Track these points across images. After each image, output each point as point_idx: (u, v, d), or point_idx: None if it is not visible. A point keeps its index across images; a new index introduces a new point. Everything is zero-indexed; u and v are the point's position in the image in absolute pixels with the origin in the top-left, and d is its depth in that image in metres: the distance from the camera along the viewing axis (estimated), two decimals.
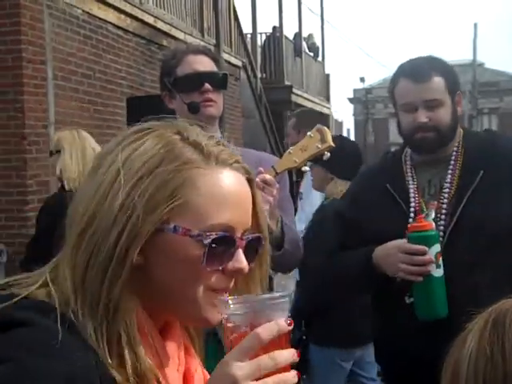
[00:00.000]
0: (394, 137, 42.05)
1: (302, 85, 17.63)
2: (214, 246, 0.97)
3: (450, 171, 2.38)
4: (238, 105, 12.55)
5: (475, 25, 37.03)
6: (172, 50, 2.65)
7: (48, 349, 0.88)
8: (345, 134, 36.21)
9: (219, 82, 2.36)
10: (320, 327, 3.90)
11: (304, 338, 3.93)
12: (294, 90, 16.37)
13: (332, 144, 2.16)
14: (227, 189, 1.00)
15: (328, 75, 21.34)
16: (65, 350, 0.88)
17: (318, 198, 4.35)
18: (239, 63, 12.93)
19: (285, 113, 16.16)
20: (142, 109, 6.32)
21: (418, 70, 2.38)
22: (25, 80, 6.39)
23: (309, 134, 2.14)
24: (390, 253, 2.27)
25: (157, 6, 9.65)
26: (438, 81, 2.35)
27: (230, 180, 1.01)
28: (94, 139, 7.51)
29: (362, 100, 44.27)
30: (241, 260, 1.00)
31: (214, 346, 1.97)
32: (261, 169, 2.13)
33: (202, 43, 11.10)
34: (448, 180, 2.37)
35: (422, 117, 2.33)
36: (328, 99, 20.83)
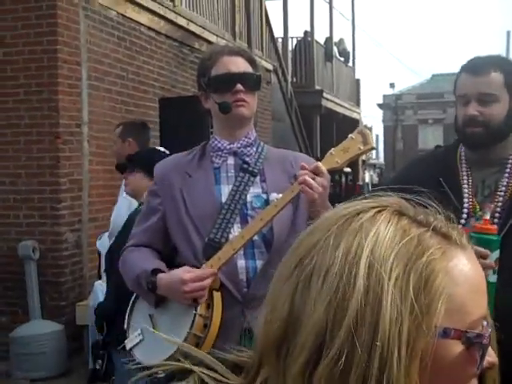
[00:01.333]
0: (423, 143, 41.85)
1: (332, 89, 17.62)
2: (479, 344, 0.79)
3: (506, 174, 2.30)
4: (269, 108, 12.59)
5: (508, 32, 36.68)
6: (208, 51, 2.66)
7: None
8: (373, 139, 35.96)
9: (252, 82, 2.38)
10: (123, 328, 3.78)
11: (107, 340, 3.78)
12: (325, 95, 16.36)
13: (374, 146, 2.18)
14: (478, 274, 0.83)
15: (358, 80, 21.31)
16: None
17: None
18: (270, 67, 12.97)
19: (315, 117, 16.16)
20: (174, 109, 6.40)
21: (477, 63, 2.33)
22: (60, 80, 6.49)
23: (350, 136, 2.15)
24: None
25: (190, 8, 9.73)
26: (495, 76, 2.29)
27: (473, 264, 0.83)
28: None
29: (392, 106, 44.05)
30: (491, 353, 0.83)
31: (248, 343, 1.99)
32: (304, 164, 2.15)
33: None
34: (504, 183, 2.29)
35: (473, 109, 2.27)
36: (358, 104, 20.79)
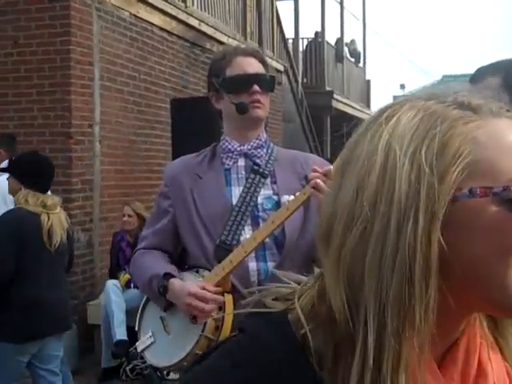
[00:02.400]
0: None
1: (342, 90, 17.60)
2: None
3: None
4: (280, 109, 12.59)
5: None
6: (221, 51, 2.66)
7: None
8: None
9: (267, 84, 2.38)
10: None
11: None
12: (335, 96, 16.34)
13: None
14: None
15: (369, 81, 21.28)
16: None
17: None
18: (281, 68, 12.97)
19: (325, 118, 16.15)
20: (185, 110, 6.40)
21: (477, 72, 2.29)
22: (73, 80, 6.53)
23: None
24: None
25: (201, 9, 9.75)
26: (490, 81, 2.22)
27: (509, 130, 0.81)
28: (138, 140, 7.68)
29: None
30: None
31: None
32: (316, 167, 2.16)
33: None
34: None
35: None
36: (368, 105, 20.75)
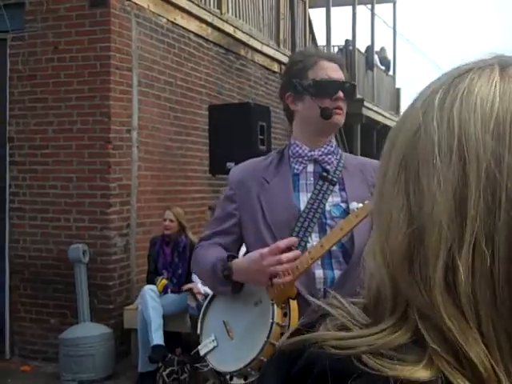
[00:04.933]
0: None
1: (373, 98, 17.53)
2: None
3: None
4: None
5: None
6: (301, 53, 2.64)
7: None
8: None
9: (350, 91, 2.36)
10: None
11: None
12: (366, 104, 16.29)
13: None
14: None
15: (399, 89, 21.18)
16: None
17: None
18: None
19: (356, 126, 16.10)
20: (223, 116, 6.42)
21: None
22: (112, 86, 6.57)
23: None
24: None
25: (236, 16, 9.78)
26: None
27: None
28: (174, 146, 7.71)
29: None
30: None
31: None
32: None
33: (278, 53, 11.22)
34: None
35: None
36: (398, 113, 20.65)
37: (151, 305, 6.11)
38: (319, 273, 2.22)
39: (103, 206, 6.58)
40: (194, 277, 6.09)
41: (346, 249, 2.23)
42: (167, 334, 6.20)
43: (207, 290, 5.46)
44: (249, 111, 6.34)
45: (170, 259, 6.46)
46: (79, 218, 6.63)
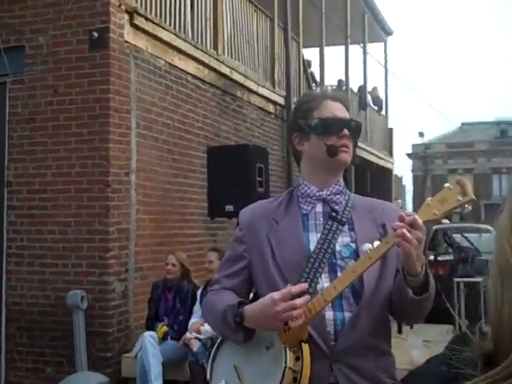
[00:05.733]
0: None
1: (366, 138, 17.57)
2: None
3: None
4: None
5: None
6: (307, 94, 2.70)
7: None
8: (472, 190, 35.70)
9: (355, 130, 2.35)
10: None
11: None
12: (359, 144, 16.31)
13: (474, 197, 2.08)
14: None
15: (391, 129, 21.26)
16: None
17: None
18: None
19: (349, 166, 16.07)
20: (222, 158, 6.36)
21: None
22: (111, 128, 6.50)
23: (447, 185, 2.07)
24: None
25: (232, 57, 9.78)
26: None
27: None
28: (172, 189, 7.62)
29: (421, 155, 43.89)
30: None
31: None
32: (402, 213, 2.08)
33: (273, 95, 11.22)
34: None
35: None
36: (391, 154, 20.72)
37: (151, 351, 5.97)
38: (329, 314, 2.17)
39: (102, 250, 6.45)
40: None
41: (356, 289, 2.20)
42: (166, 382, 6.05)
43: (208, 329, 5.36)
44: (247, 153, 6.30)
45: (172, 305, 6.33)
46: (77, 263, 6.49)
